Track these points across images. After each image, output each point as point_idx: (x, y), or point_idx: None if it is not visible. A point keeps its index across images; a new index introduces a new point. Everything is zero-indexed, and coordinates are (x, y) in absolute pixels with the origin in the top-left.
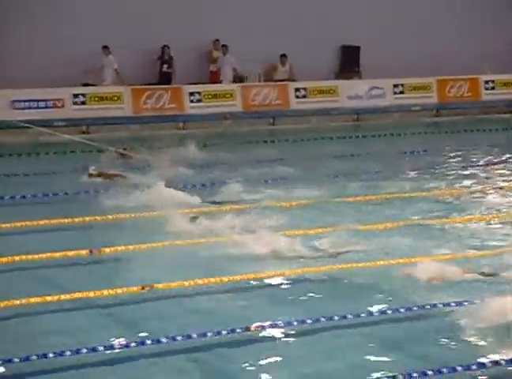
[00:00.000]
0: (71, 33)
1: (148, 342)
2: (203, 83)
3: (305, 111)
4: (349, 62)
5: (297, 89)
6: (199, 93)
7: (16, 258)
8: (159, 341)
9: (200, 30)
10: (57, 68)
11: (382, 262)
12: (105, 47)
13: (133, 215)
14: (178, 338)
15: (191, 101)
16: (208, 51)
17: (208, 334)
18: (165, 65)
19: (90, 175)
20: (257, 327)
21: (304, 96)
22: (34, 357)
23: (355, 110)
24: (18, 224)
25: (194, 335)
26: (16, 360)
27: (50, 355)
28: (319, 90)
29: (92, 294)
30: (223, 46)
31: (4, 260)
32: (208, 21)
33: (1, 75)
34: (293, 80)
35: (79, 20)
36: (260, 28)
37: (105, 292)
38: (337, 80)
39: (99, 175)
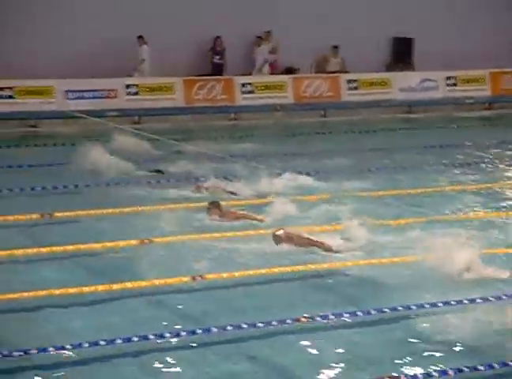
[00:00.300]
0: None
1: (199, 331)
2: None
3: (356, 103)
4: (401, 54)
5: (349, 81)
6: (251, 84)
7: (69, 248)
8: (209, 330)
9: (252, 21)
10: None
11: (423, 256)
12: (139, 37)
13: (183, 206)
14: (229, 328)
15: (243, 92)
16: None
17: (259, 324)
18: (217, 57)
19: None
20: (307, 318)
21: (356, 88)
22: (86, 344)
23: (407, 103)
24: (68, 214)
25: (244, 326)
26: (69, 347)
27: (102, 343)
28: (371, 82)
29: (143, 283)
30: (257, 37)
31: (56, 249)
32: (260, 12)
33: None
34: (345, 72)
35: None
36: (312, 19)
37: (155, 281)
38: (389, 72)
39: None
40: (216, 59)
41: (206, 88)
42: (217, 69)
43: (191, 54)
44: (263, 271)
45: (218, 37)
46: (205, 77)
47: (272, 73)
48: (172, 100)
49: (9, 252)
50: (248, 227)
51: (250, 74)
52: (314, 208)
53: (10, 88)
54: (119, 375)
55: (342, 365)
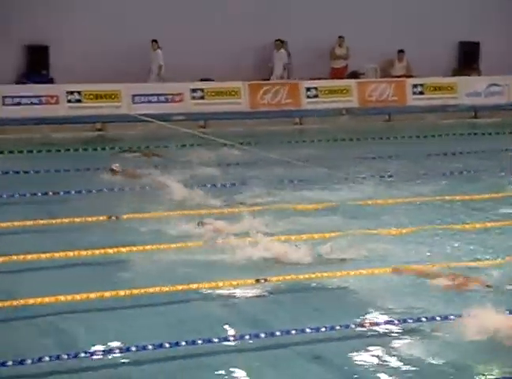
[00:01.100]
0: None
1: (262, 335)
2: (322, 78)
3: (422, 108)
4: (468, 58)
5: (414, 85)
6: (316, 88)
7: (134, 249)
8: (273, 334)
9: (319, 26)
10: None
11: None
12: (154, 41)
13: (251, 209)
14: (293, 332)
15: (308, 96)
16: (331, 48)
17: (322, 329)
18: None
19: (112, 172)
20: (371, 323)
21: (421, 93)
22: (150, 346)
23: (473, 108)
24: (137, 216)
25: (308, 330)
26: (133, 349)
27: (166, 345)
28: (437, 86)
29: (206, 285)
30: (276, 40)
31: (123, 249)
32: (327, 17)
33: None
34: (410, 76)
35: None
36: (378, 23)
37: (220, 284)
38: (456, 76)
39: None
40: None
41: (271, 93)
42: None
43: (256, 59)
44: (326, 274)
45: (284, 41)
46: (270, 82)
47: (339, 78)
48: (238, 105)
49: (74, 252)
50: (312, 231)
51: (316, 79)
52: (374, 215)
53: (79, 92)
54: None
55: (405, 370)
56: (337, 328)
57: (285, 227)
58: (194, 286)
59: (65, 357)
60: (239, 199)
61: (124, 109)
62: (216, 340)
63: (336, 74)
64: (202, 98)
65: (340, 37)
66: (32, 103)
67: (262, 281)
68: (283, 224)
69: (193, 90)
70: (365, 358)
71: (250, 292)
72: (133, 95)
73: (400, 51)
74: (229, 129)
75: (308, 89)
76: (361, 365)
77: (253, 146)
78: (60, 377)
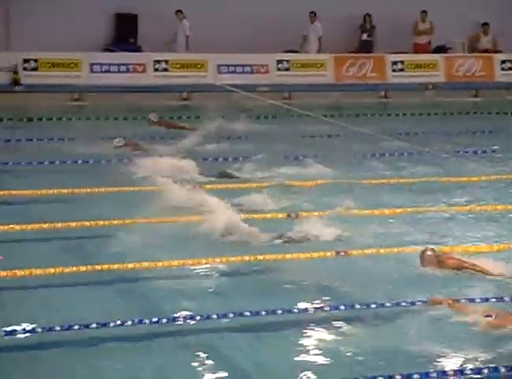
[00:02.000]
0: None
1: (342, 307)
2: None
3: (510, 84)
4: None
5: (503, 61)
6: (402, 62)
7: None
8: (352, 306)
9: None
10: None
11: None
12: (178, 12)
13: (320, 183)
14: (372, 306)
15: (393, 70)
16: (414, 23)
17: (387, 304)
18: (365, 34)
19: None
20: (434, 300)
21: (510, 69)
22: (231, 315)
23: None
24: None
25: (388, 304)
26: (214, 317)
27: (247, 314)
28: None
29: (288, 256)
30: (311, 13)
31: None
32: None
33: None
34: (496, 51)
35: None
36: None
37: (301, 255)
38: None
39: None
40: (365, 37)
41: (357, 66)
42: (365, 47)
43: (340, 31)
44: (406, 249)
45: (367, 14)
46: (355, 55)
47: (424, 52)
48: (322, 77)
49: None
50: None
51: (400, 53)
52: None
53: (166, 60)
54: (260, 345)
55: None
56: (402, 304)
57: (364, 201)
58: (272, 256)
59: (147, 321)
60: (320, 171)
61: (210, 78)
62: (295, 311)
63: (420, 50)
64: (287, 69)
65: (422, 12)
66: (119, 71)
67: (342, 253)
68: (360, 198)
69: (279, 61)
70: (430, 331)
71: (331, 264)
72: (219, 65)
73: (485, 24)
74: (313, 101)
75: (394, 63)
76: (425, 338)
77: (337, 118)
78: (141, 342)
